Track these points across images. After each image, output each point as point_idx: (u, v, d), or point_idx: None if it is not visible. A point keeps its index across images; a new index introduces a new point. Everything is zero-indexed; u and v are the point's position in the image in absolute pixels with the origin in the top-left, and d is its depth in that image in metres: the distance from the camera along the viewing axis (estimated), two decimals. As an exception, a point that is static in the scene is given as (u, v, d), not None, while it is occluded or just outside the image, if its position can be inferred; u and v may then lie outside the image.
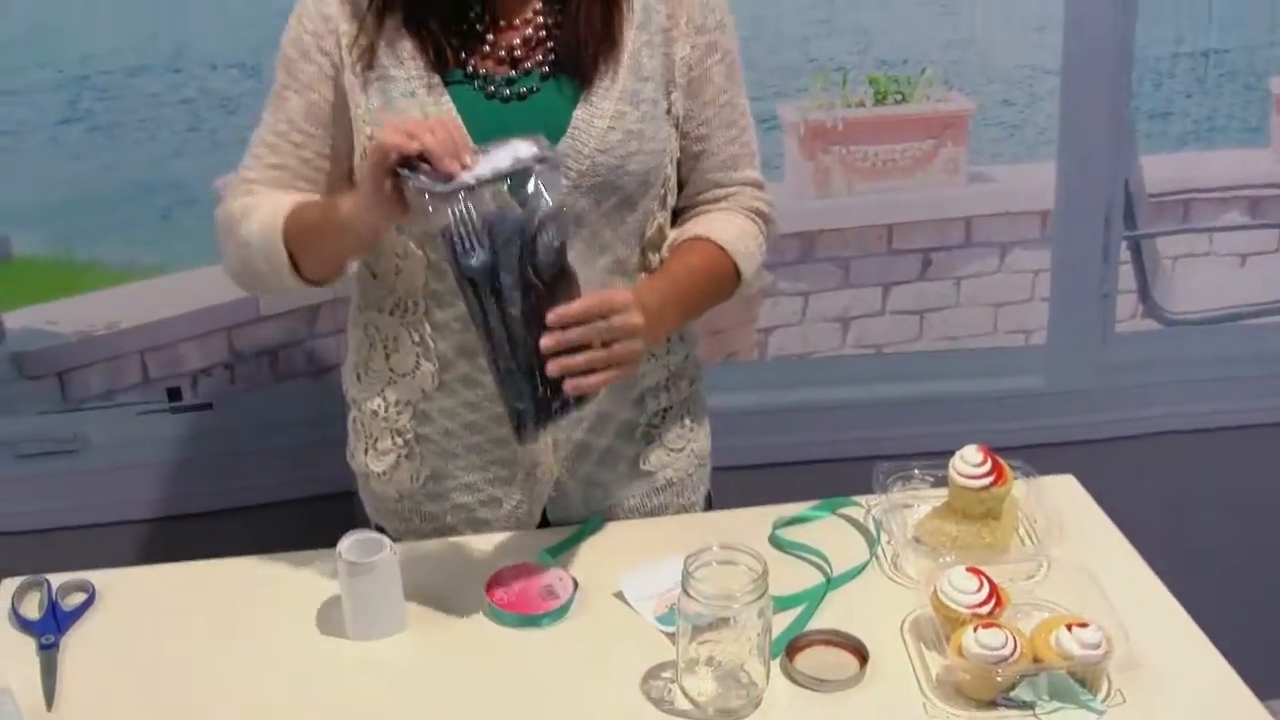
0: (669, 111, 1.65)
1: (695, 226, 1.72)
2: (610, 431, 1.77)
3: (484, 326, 1.47)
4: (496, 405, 1.64)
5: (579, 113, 1.60)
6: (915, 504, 1.81)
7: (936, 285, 2.61)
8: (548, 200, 1.47)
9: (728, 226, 1.72)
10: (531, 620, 1.60)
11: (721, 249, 1.70)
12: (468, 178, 1.44)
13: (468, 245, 1.46)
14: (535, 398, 1.50)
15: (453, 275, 1.47)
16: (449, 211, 1.44)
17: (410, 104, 1.58)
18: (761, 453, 2.61)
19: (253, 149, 1.67)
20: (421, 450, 1.76)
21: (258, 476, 2.49)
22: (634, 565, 1.69)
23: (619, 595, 1.66)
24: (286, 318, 2.43)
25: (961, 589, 1.58)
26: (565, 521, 1.79)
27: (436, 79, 1.60)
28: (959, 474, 1.73)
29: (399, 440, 1.77)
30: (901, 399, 2.63)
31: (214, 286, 2.34)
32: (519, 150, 1.47)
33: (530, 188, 1.48)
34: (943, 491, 1.76)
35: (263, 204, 1.62)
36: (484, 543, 1.77)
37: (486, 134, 1.51)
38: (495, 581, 1.64)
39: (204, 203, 2.25)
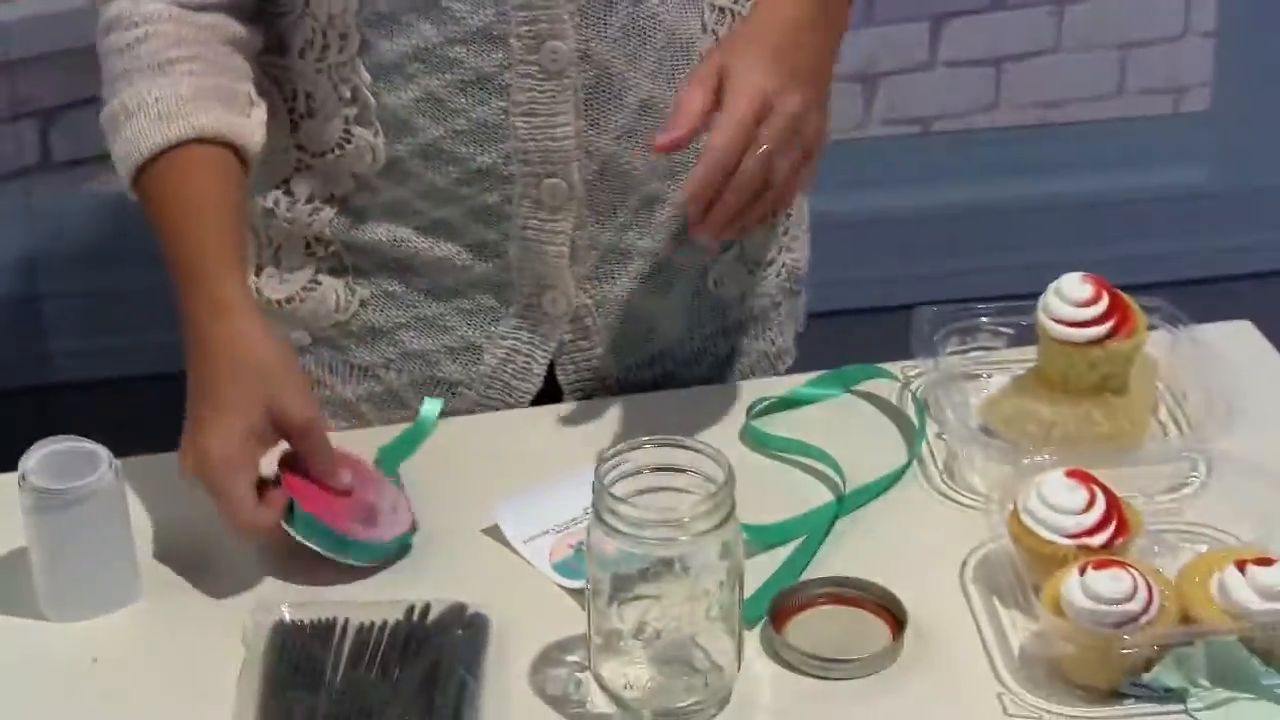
0: None
1: None
2: (661, 227, 1.70)
3: None
4: (483, 190, 1.61)
5: None
6: (983, 373, 1.73)
7: (1021, 16, 2.49)
8: None
9: None
10: (339, 543, 1.51)
11: None
12: None
13: None
14: None
15: None
16: None
17: None
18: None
19: None
20: (355, 261, 1.68)
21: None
22: (518, 480, 1.62)
23: (492, 530, 1.58)
24: None
25: (1060, 507, 1.49)
26: (584, 382, 1.74)
27: None
28: (1054, 320, 1.62)
29: (320, 250, 1.68)
30: (961, 206, 2.53)
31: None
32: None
33: None
34: (1029, 352, 1.68)
35: (148, 81, 1.55)
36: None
37: None
38: (290, 462, 1.54)
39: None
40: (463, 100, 1.58)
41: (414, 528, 1.56)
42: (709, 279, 1.75)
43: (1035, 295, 1.64)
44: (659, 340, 1.76)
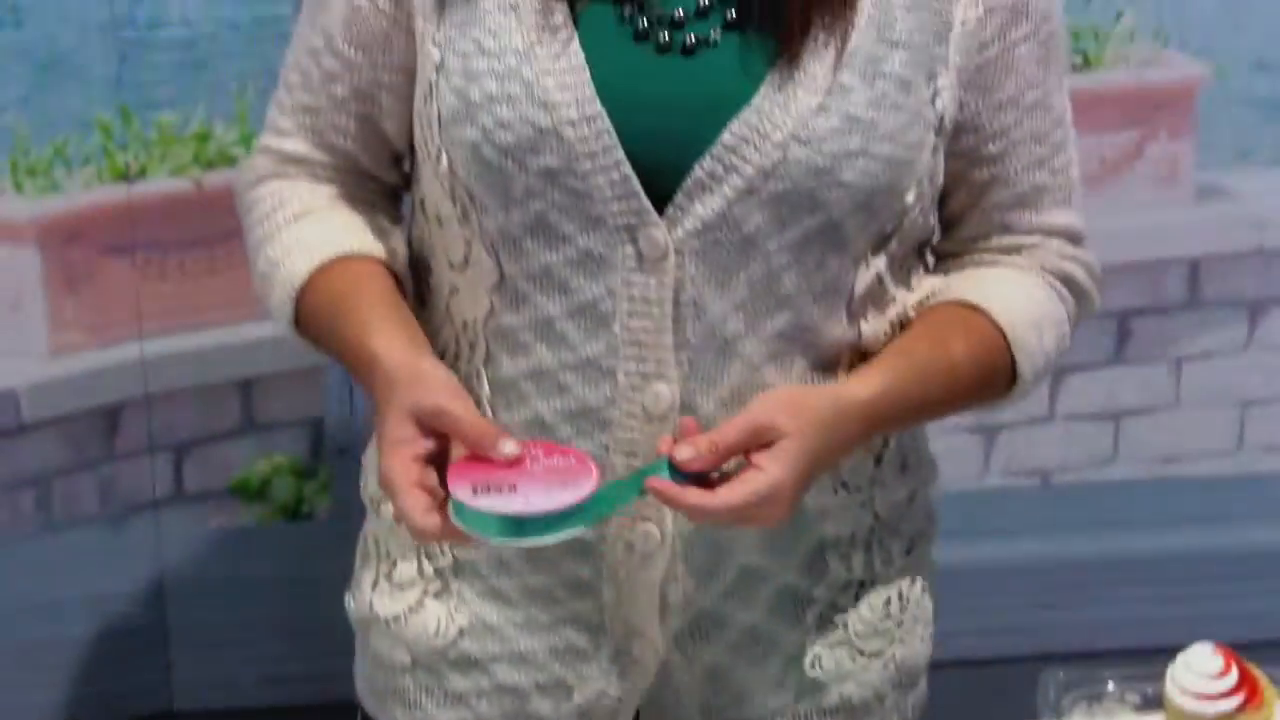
0: (932, 102, 1.56)
1: (970, 286, 1.65)
2: (761, 601, 1.66)
3: None
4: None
5: (772, 79, 1.52)
6: (1111, 740, 1.68)
7: (1141, 372, 2.51)
8: None
9: (1018, 296, 1.66)
10: (518, 527, 1.42)
11: (1001, 334, 1.63)
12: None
13: None
14: None
15: None
16: None
17: (507, 26, 1.53)
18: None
19: (285, 71, 1.68)
20: (460, 587, 1.67)
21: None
22: None
23: None
24: (66, 426, 2.30)
25: None
26: None
27: None
28: (1183, 691, 1.59)
29: (429, 568, 1.68)
30: (1083, 560, 2.52)
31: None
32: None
33: None
34: (1156, 718, 1.62)
35: (290, 231, 1.64)
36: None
37: (624, 97, 1.51)
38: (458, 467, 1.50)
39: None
40: (567, 430, 1.57)
41: (600, 483, 1.47)
42: (807, 658, 1.70)
43: (1157, 649, 1.62)
44: (749, 709, 1.71)
